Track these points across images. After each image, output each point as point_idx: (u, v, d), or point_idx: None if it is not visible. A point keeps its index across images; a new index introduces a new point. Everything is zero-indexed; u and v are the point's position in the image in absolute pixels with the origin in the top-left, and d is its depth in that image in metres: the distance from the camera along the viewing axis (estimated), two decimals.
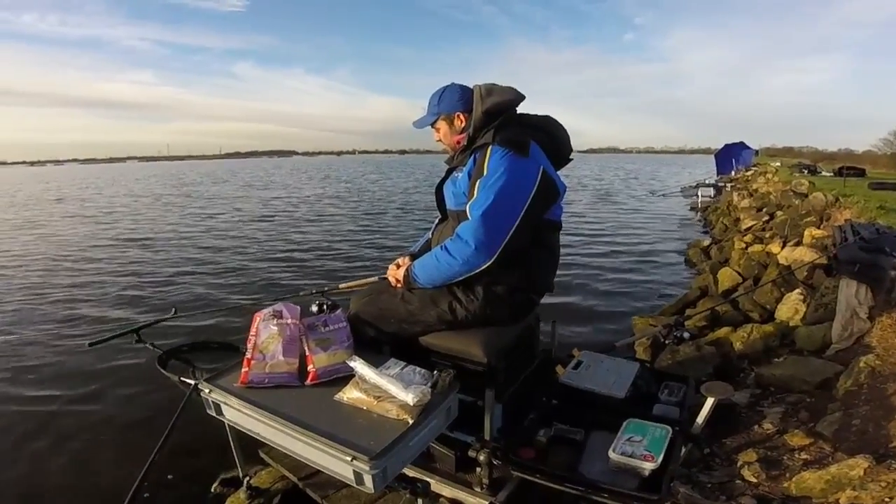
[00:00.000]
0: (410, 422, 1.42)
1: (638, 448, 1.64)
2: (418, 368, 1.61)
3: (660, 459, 1.59)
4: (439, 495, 1.91)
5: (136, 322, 2.30)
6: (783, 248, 5.96)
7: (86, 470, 2.81)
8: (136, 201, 19.77)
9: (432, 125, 1.93)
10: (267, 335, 1.67)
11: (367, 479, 1.32)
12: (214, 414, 1.67)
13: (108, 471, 2.73)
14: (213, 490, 2.33)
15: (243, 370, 1.63)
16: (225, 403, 1.62)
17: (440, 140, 1.94)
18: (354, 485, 1.36)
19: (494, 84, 1.83)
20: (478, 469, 1.78)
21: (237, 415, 1.60)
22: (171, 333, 3.92)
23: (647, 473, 1.59)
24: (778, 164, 21.00)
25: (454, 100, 1.85)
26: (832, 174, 13.73)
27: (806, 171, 14.72)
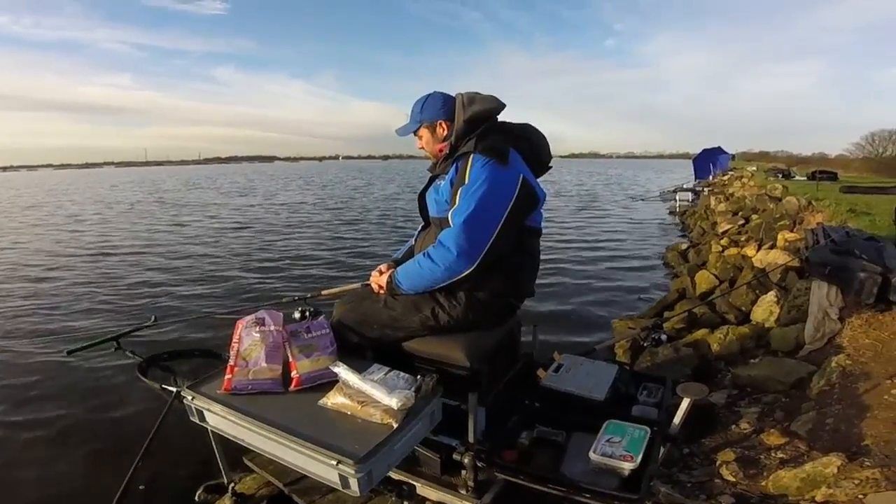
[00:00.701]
0: (395, 426, 1.44)
1: (617, 449, 1.67)
2: (402, 373, 1.63)
3: (639, 459, 1.62)
4: (425, 498, 1.92)
5: (116, 330, 2.27)
6: (758, 250, 6.07)
7: (65, 480, 2.75)
8: (109, 208, 19.39)
9: (415, 133, 1.95)
10: (250, 342, 1.68)
11: (353, 483, 1.33)
12: (198, 421, 1.67)
13: (89, 480, 2.69)
14: (197, 497, 2.31)
15: (226, 377, 1.63)
16: (208, 410, 1.62)
17: (422, 147, 1.97)
18: (340, 489, 1.37)
19: (477, 93, 1.87)
20: (463, 472, 1.79)
21: (221, 421, 1.60)
22: (152, 341, 3.87)
23: (626, 473, 1.62)
24: (754, 168, 21.38)
25: (436, 108, 1.88)
26: (806, 178, 14.01)
27: (780, 176, 15.00)
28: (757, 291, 4.54)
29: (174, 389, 1.77)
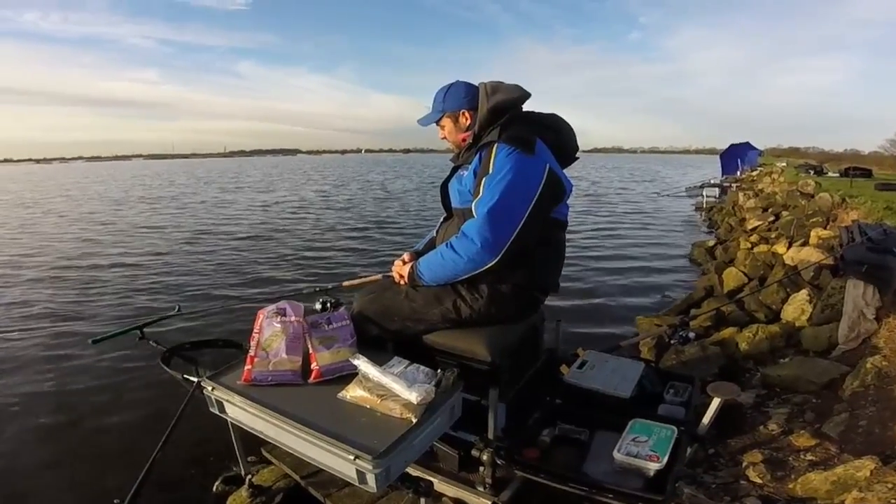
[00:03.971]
0: (414, 421, 1.41)
1: (643, 448, 1.64)
2: (422, 367, 1.60)
3: (665, 460, 1.58)
4: (442, 495, 1.91)
5: (140, 319, 2.30)
6: (789, 248, 5.93)
7: (87, 467, 2.81)
8: (144, 196, 19.82)
9: (437, 123, 1.92)
10: (270, 333, 1.67)
11: (370, 479, 1.31)
12: (217, 412, 1.67)
13: (111, 468, 2.73)
14: (215, 488, 2.33)
15: (246, 368, 1.62)
16: (228, 401, 1.61)
17: (445, 138, 1.93)
18: (357, 484, 1.35)
19: (500, 82, 1.82)
20: (481, 468, 1.77)
21: (240, 412, 1.60)
22: (175, 331, 3.93)
23: (651, 474, 1.59)
24: (783, 164, 20.92)
25: (459, 97, 1.84)
26: (838, 175, 13.66)
27: (812, 172, 14.65)
28: (788, 290, 4.43)
29: (195, 379, 1.78)
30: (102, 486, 2.59)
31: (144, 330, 2.18)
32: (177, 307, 2.56)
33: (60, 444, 3.05)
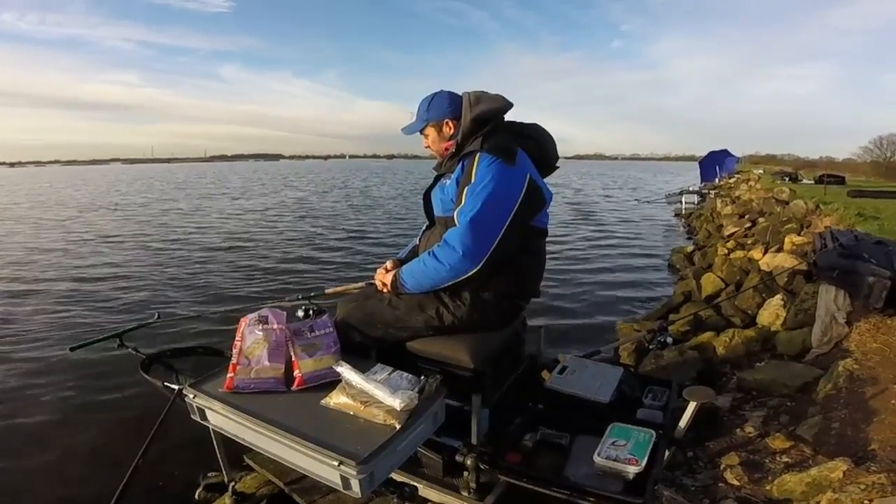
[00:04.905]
0: (397, 427, 1.42)
1: (622, 452, 1.66)
2: (405, 374, 1.61)
3: (644, 463, 1.61)
4: (427, 500, 1.91)
5: (119, 327, 2.28)
6: (765, 254, 6.05)
7: (67, 476, 2.76)
8: (116, 207, 19.45)
9: (421, 132, 1.94)
10: (252, 340, 1.67)
11: (354, 484, 1.32)
12: (199, 419, 1.66)
13: (90, 477, 2.69)
14: (197, 496, 2.30)
15: (228, 375, 1.62)
16: (209, 409, 1.61)
17: (428, 147, 1.96)
18: (342, 489, 1.36)
19: (484, 91, 1.85)
20: (465, 473, 1.78)
21: (222, 420, 1.59)
22: (155, 339, 3.87)
23: (631, 477, 1.61)
24: (760, 171, 21.33)
25: (443, 107, 1.87)
26: (813, 182, 13.98)
27: (787, 179, 14.97)
28: (763, 295, 4.52)
29: (176, 387, 1.77)
30: (84, 494, 2.56)
31: (124, 337, 2.17)
32: (156, 315, 2.54)
33: (40, 453, 2.99)
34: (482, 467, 1.75)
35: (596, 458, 1.66)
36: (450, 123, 1.87)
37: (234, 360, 1.63)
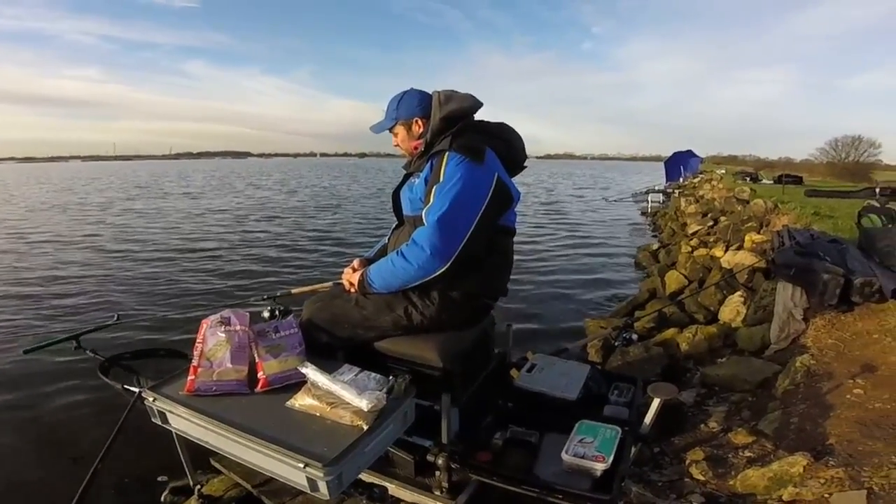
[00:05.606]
0: (365, 427, 1.41)
1: (589, 449, 1.68)
2: (373, 374, 1.60)
3: (610, 460, 1.63)
4: (399, 500, 1.90)
5: (76, 329, 2.19)
6: (726, 251, 6.20)
7: (23, 483, 2.65)
8: (70, 205, 18.74)
9: (390, 130, 1.92)
10: (214, 342, 1.63)
11: (322, 486, 1.30)
12: (160, 422, 1.62)
13: (48, 484, 2.59)
14: (163, 500, 2.24)
15: (189, 378, 1.58)
16: (171, 412, 1.57)
17: (398, 145, 1.94)
18: (309, 491, 1.33)
19: (454, 91, 1.84)
20: (437, 473, 1.77)
21: (184, 423, 1.55)
22: (114, 341, 3.74)
23: (598, 474, 1.63)
24: (723, 171, 21.88)
25: (413, 105, 1.86)
26: (772, 182, 14.40)
27: (748, 179, 15.38)
28: (724, 292, 4.64)
29: (136, 390, 1.72)
30: (42, 499, 2.46)
31: (81, 339, 2.09)
32: (115, 316, 2.46)
33: None
34: (453, 466, 1.75)
35: (564, 456, 1.67)
36: (419, 122, 1.85)
37: (195, 363, 1.59)
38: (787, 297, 3.41)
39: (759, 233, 6.35)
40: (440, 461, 1.74)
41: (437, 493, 1.79)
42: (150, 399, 1.60)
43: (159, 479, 2.42)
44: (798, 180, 14.13)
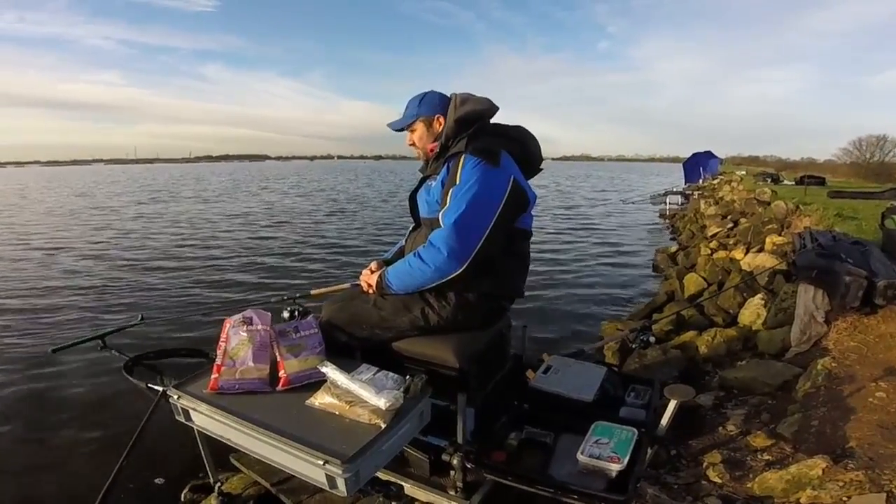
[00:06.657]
0: (383, 426, 1.43)
1: (605, 450, 1.68)
2: (391, 373, 1.62)
3: (626, 461, 1.63)
4: (414, 499, 1.92)
5: (101, 329, 2.25)
6: (746, 254, 6.13)
7: (50, 478, 2.73)
8: (103, 203, 19.13)
9: (409, 127, 1.95)
10: (237, 341, 1.66)
11: (340, 483, 1.33)
12: (183, 420, 1.66)
13: (74, 479, 2.67)
14: (183, 497, 2.29)
15: (213, 376, 1.62)
16: (194, 409, 1.61)
17: (413, 144, 1.96)
18: (327, 488, 1.36)
19: (470, 94, 1.87)
20: (452, 472, 1.79)
21: (207, 420, 1.59)
22: (139, 340, 3.83)
23: (613, 475, 1.63)
24: (743, 172, 21.58)
25: (435, 104, 1.89)
26: (794, 183, 14.18)
27: (769, 180, 15.16)
28: (744, 294, 4.59)
29: (160, 388, 1.76)
30: (68, 496, 2.54)
31: (106, 339, 2.14)
32: (140, 316, 2.51)
33: (23, 454, 2.96)
34: (468, 466, 1.76)
35: (579, 457, 1.67)
36: (440, 119, 1.88)
37: (218, 361, 1.63)
38: (808, 299, 3.37)
39: (780, 235, 6.27)
40: (455, 461, 1.75)
41: (452, 492, 1.81)
42: (175, 397, 1.64)
43: (181, 476, 2.47)
44: (821, 181, 13.89)
